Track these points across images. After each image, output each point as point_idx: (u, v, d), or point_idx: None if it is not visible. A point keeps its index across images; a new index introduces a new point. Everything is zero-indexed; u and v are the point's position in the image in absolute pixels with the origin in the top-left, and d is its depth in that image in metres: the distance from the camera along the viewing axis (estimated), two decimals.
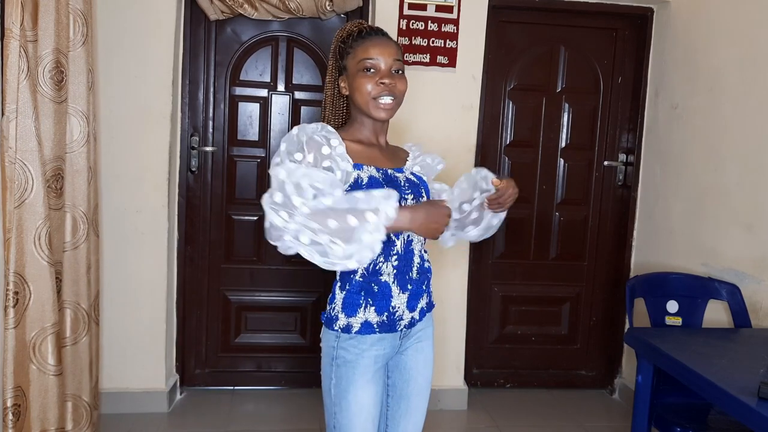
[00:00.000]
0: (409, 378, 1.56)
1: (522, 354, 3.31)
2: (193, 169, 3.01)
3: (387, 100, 1.46)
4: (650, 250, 3.09)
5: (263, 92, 3.05)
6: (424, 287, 1.53)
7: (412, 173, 1.55)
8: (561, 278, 3.29)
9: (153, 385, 2.85)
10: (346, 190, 1.35)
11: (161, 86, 2.74)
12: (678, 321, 2.46)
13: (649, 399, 2.05)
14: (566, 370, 3.34)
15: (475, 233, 1.65)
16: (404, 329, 1.51)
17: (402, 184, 1.48)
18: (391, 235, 1.42)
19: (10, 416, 1.99)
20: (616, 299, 3.27)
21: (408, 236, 1.47)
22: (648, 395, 2.05)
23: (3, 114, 1.96)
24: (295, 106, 3.07)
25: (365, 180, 1.39)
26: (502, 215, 1.64)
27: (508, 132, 3.19)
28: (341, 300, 1.45)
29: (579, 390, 3.32)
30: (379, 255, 1.40)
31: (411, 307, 1.50)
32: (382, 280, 1.44)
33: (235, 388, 3.15)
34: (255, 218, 3.08)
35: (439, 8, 2.83)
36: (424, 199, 1.50)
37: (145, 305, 2.82)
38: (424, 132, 2.83)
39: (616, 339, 3.26)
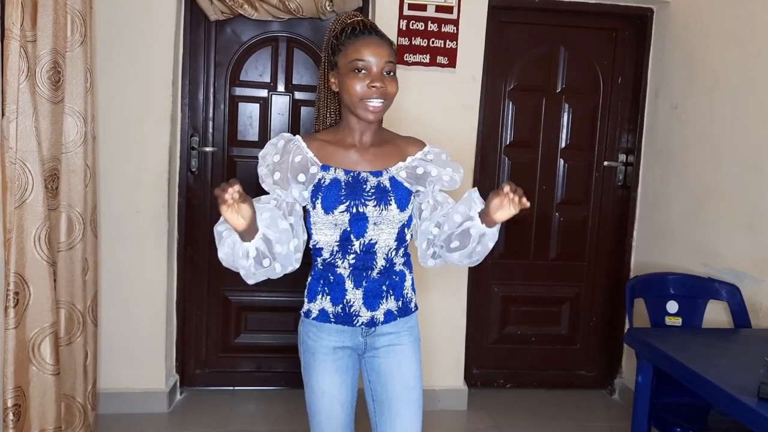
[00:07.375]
0: (385, 382, 1.56)
1: (522, 354, 3.31)
2: (193, 170, 3.01)
3: (376, 102, 1.44)
4: (650, 251, 3.09)
5: (263, 92, 3.05)
6: (385, 288, 1.53)
7: (392, 178, 1.51)
8: (561, 278, 3.29)
9: (153, 386, 2.85)
10: (310, 191, 1.47)
11: (161, 86, 2.73)
12: (678, 321, 2.46)
13: (649, 399, 2.05)
14: (566, 371, 3.34)
15: (457, 257, 1.56)
16: (364, 328, 1.54)
17: (367, 189, 1.47)
18: (352, 236, 1.48)
19: (11, 416, 1.99)
20: (616, 299, 3.26)
21: (369, 240, 1.49)
22: (648, 395, 2.05)
23: (3, 114, 1.96)
24: (295, 106, 3.07)
25: (327, 181, 1.47)
26: (488, 243, 1.56)
27: (508, 132, 3.19)
28: (307, 286, 1.57)
29: (579, 390, 3.31)
30: (337, 251, 1.50)
31: (370, 306, 1.53)
32: (338, 272, 1.51)
33: (235, 388, 3.15)
34: None
35: (439, 8, 2.83)
36: (392, 206, 1.48)
37: (145, 305, 2.82)
38: (424, 133, 2.80)
39: (616, 339, 3.26)
